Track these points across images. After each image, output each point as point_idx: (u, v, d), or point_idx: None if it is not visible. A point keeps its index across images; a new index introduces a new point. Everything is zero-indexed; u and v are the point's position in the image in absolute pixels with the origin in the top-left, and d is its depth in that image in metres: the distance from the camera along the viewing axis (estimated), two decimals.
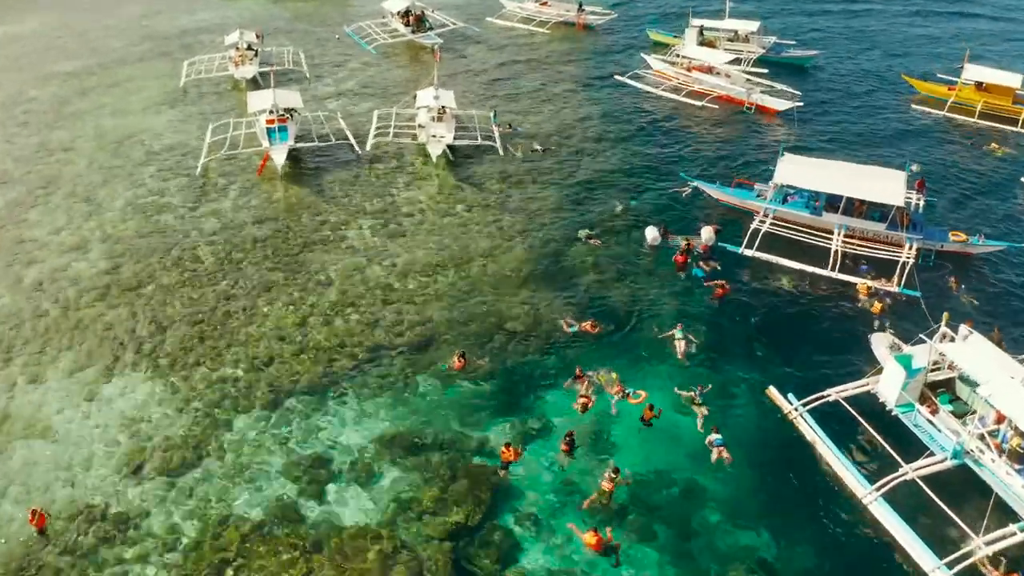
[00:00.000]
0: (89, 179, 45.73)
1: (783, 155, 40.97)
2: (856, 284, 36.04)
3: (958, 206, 43.97)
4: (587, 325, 33.56)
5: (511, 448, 27.39)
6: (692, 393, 30.03)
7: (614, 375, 30.69)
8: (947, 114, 55.00)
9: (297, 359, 32.15)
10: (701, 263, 37.70)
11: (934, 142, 51.94)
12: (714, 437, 27.97)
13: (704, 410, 29.48)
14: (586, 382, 30.32)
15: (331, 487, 26.89)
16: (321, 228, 40.98)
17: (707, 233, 39.19)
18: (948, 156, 49.87)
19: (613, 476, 26.05)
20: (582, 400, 29.31)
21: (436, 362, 32.00)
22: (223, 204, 43.09)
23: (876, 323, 33.92)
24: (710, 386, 30.30)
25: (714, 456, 27.51)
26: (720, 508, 26.12)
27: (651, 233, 39.47)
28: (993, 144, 50.86)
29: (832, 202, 39.07)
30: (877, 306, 34.68)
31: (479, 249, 39.30)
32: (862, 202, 38.55)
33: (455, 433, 28.92)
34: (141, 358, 32.18)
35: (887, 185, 38.00)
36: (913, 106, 56.63)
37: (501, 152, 47.87)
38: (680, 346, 32.58)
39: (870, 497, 25.16)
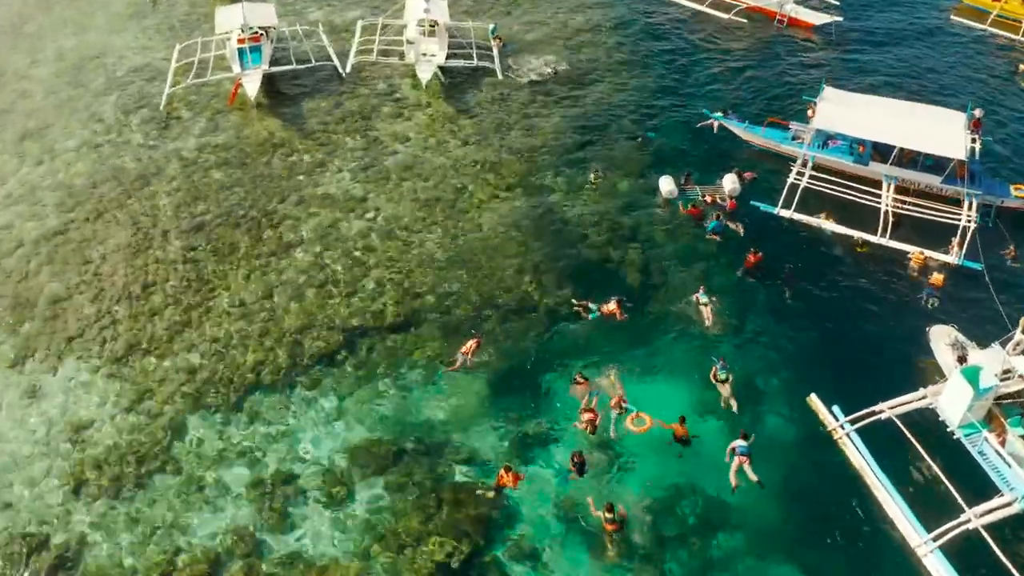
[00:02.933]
0: (44, 114, 40.50)
1: (823, 90, 35.41)
2: (910, 253, 31.04)
3: (1003, 146, 37.94)
4: (612, 307, 28.65)
5: (511, 472, 23.33)
6: (713, 368, 26.21)
7: (613, 376, 26.24)
8: (990, 28, 48.01)
9: (261, 344, 28.24)
10: (729, 223, 32.57)
11: (973, 63, 45.38)
12: (738, 444, 23.99)
13: (728, 388, 25.66)
14: (587, 392, 25.56)
15: (296, 511, 23.58)
16: (295, 171, 36.24)
17: (731, 182, 34.02)
18: (987, 83, 43.35)
19: (610, 516, 22.31)
20: (587, 416, 24.52)
21: (420, 346, 28.17)
22: (187, 142, 38.16)
23: (928, 299, 29.34)
24: (722, 361, 26.42)
25: (734, 466, 23.62)
26: (745, 538, 22.75)
27: (666, 185, 34.14)
28: (1022, 67, 44.34)
29: (881, 148, 33.78)
30: (938, 278, 29.93)
31: (474, 199, 34.62)
32: None
33: (443, 440, 25.31)
34: (87, 343, 28.39)
35: (944, 132, 32.66)
36: (952, 18, 49.88)
37: (500, 75, 42.41)
38: (706, 312, 28.59)
39: (924, 548, 21.37)
